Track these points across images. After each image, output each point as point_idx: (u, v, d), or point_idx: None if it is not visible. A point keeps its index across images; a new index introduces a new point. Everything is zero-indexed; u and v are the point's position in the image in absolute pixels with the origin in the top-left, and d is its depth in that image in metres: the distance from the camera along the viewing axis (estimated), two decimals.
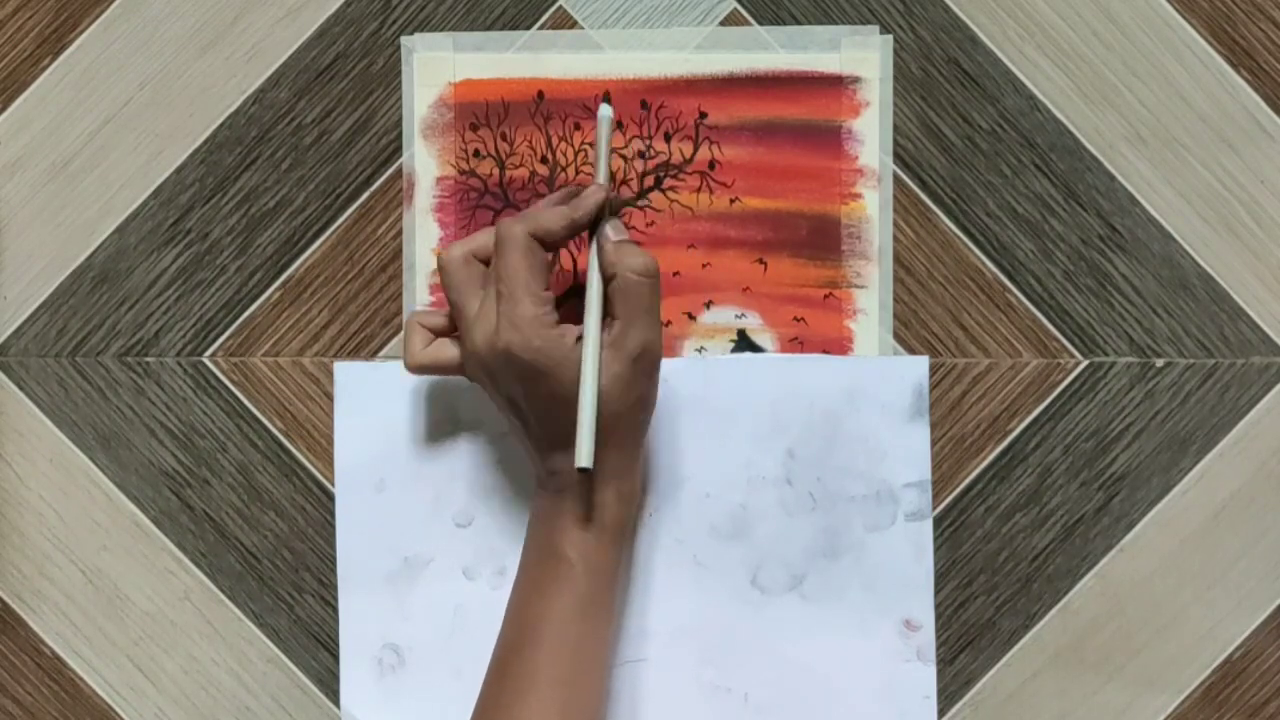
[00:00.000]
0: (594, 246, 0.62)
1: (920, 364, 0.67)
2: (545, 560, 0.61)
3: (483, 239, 0.63)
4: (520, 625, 0.61)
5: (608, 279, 0.60)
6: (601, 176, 0.63)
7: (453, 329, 0.64)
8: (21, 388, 0.69)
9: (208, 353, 0.69)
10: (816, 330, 0.68)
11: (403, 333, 0.64)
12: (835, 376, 0.67)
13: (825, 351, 0.68)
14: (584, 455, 0.58)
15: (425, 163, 0.68)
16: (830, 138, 0.68)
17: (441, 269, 0.62)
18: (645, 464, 0.65)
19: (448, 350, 0.63)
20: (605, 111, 0.63)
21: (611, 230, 0.62)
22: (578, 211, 0.61)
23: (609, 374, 0.59)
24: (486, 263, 0.62)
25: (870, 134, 0.68)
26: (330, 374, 0.68)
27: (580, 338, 0.60)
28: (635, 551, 0.67)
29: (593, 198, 0.62)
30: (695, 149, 0.68)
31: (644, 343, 0.60)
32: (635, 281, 0.59)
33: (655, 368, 0.61)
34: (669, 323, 0.68)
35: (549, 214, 0.61)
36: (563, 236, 0.61)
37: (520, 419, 0.62)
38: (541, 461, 0.62)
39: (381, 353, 0.68)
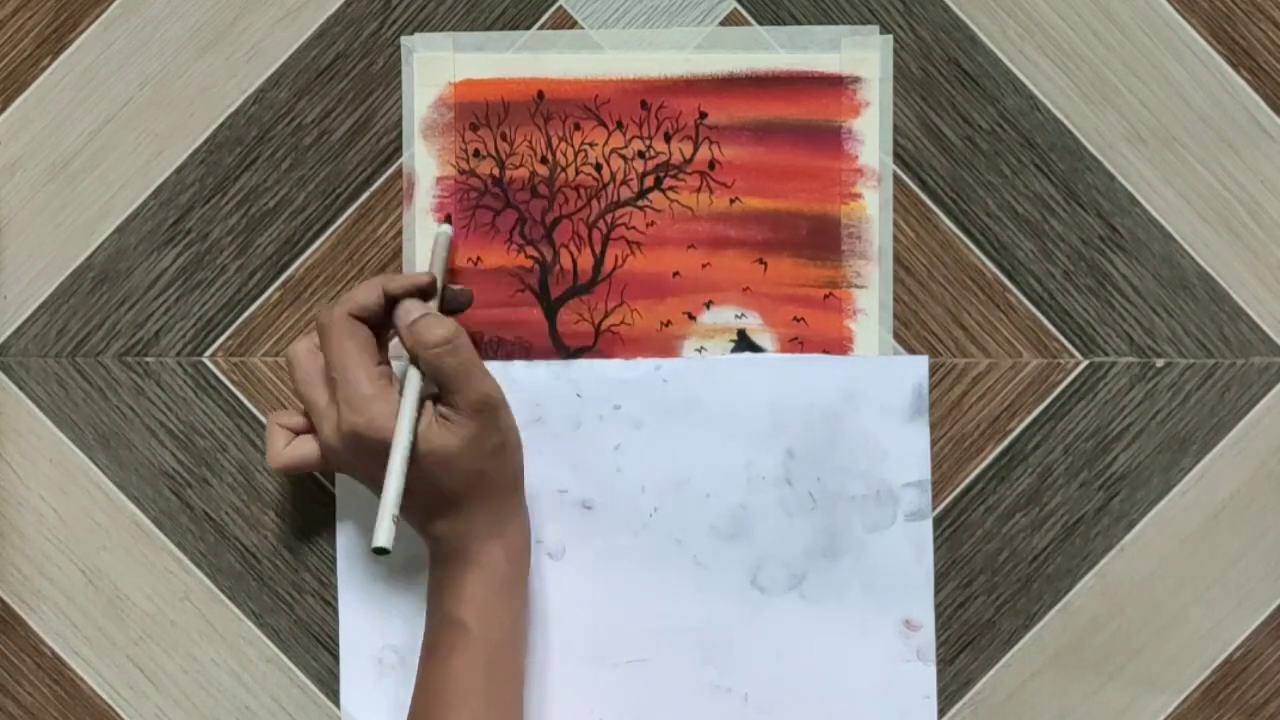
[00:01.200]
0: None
1: (920, 364, 0.67)
2: (443, 628, 0.61)
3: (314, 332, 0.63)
4: (426, 696, 0.61)
5: (413, 360, 0.60)
6: (436, 250, 0.64)
7: (311, 427, 0.63)
8: (21, 388, 0.69)
9: (208, 353, 0.69)
10: (816, 330, 0.68)
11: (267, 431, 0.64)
12: (835, 376, 0.67)
13: (825, 351, 0.68)
14: (381, 534, 0.56)
15: (425, 163, 0.68)
16: (830, 138, 0.68)
17: (289, 363, 0.62)
18: (528, 510, 0.65)
19: (307, 446, 0.63)
20: (444, 230, 0.66)
21: (403, 312, 0.61)
22: (391, 283, 0.61)
23: (458, 435, 0.59)
24: None
25: (870, 134, 0.68)
26: None
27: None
28: (637, 554, 0.67)
29: (410, 278, 0.62)
30: (695, 149, 0.68)
31: (476, 399, 0.59)
32: (438, 354, 0.59)
33: (502, 414, 0.60)
34: (669, 323, 0.68)
35: (362, 289, 0.61)
36: (379, 308, 0.61)
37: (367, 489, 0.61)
38: (421, 532, 0.62)
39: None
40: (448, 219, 0.68)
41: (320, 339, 0.61)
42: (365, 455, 0.60)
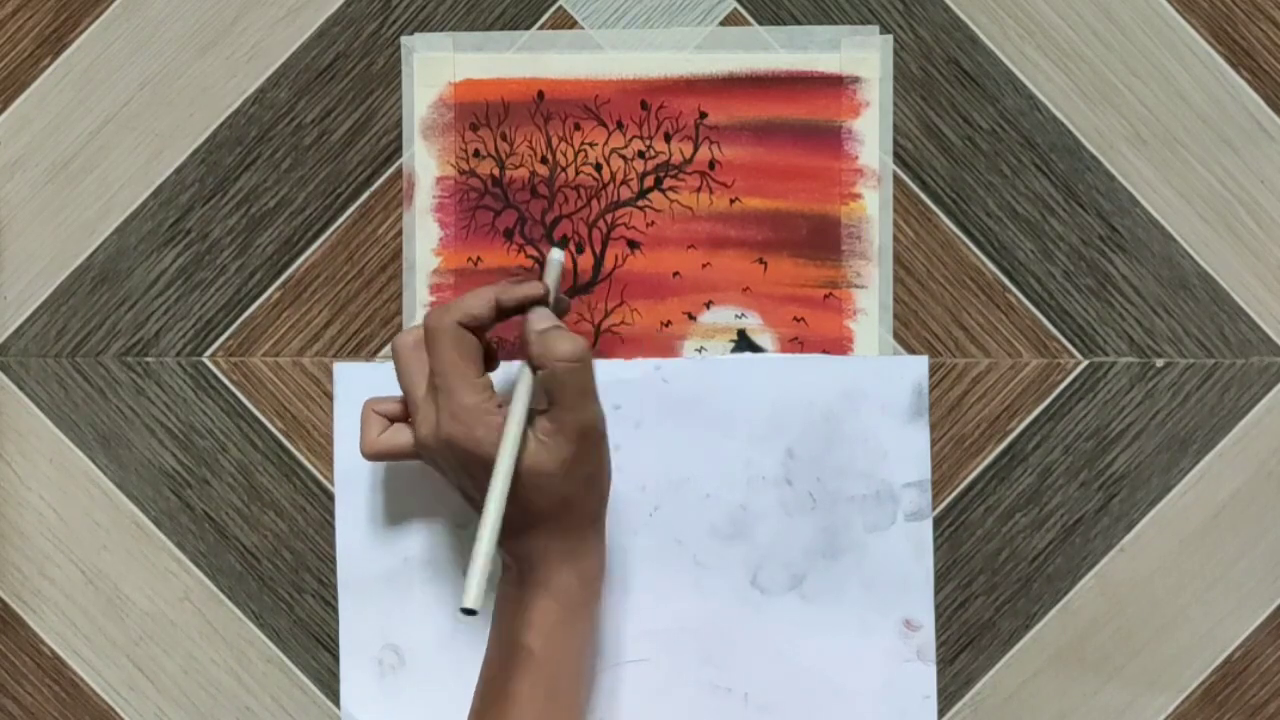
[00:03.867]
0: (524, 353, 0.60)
1: (920, 364, 0.67)
2: (508, 650, 0.60)
3: (419, 330, 0.62)
4: (485, 716, 0.60)
5: (536, 369, 0.58)
6: (549, 278, 0.62)
7: (407, 415, 0.63)
8: (21, 388, 0.69)
9: (208, 353, 0.69)
10: (816, 330, 0.68)
11: (361, 417, 0.63)
12: (835, 376, 0.67)
13: (825, 351, 0.68)
14: (471, 597, 0.54)
15: (425, 163, 0.68)
16: (830, 138, 0.68)
17: (394, 353, 0.61)
18: (605, 542, 0.64)
19: (403, 435, 0.62)
20: (557, 255, 0.63)
21: (536, 319, 0.59)
22: (505, 295, 0.60)
23: (555, 458, 0.58)
24: None
25: (870, 134, 0.68)
26: (330, 374, 0.68)
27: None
28: (637, 553, 0.67)
29: (524, 289, 0.60)
30: (695, 149, 0.68)
31: (583, 424, 0.58)
32: (565, 369, 0.57)
33: (601, 445, 0.59)
34: (669, 323, 0.68)
35: (474, 298, 0.59)
36: (489, 320, 0.60)
37: (474, 507, 0.60)
38: (499, 550, 0.61)
39: (381, 353, 0.68)
40: (563, 241, 0.67)
41: (427, 344, 0.59)
42: (455, 463, 0.59)
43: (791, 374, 0.67)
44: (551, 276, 0.62)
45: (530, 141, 0.68)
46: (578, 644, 0.61)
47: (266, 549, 0.69)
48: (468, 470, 0.59)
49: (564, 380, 0.57)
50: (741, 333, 0.68)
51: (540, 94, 0.68)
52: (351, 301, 0.68)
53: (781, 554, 0.67)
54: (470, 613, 0.54)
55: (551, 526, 0.59)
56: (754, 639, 0.67)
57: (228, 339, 0.69)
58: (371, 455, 0.63)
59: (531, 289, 0.61)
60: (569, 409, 0.58)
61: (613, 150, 0.68)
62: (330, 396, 0.68)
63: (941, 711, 0.67)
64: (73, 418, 0.69)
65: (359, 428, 0.64)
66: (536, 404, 0.59)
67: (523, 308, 0.60)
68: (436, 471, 0.62)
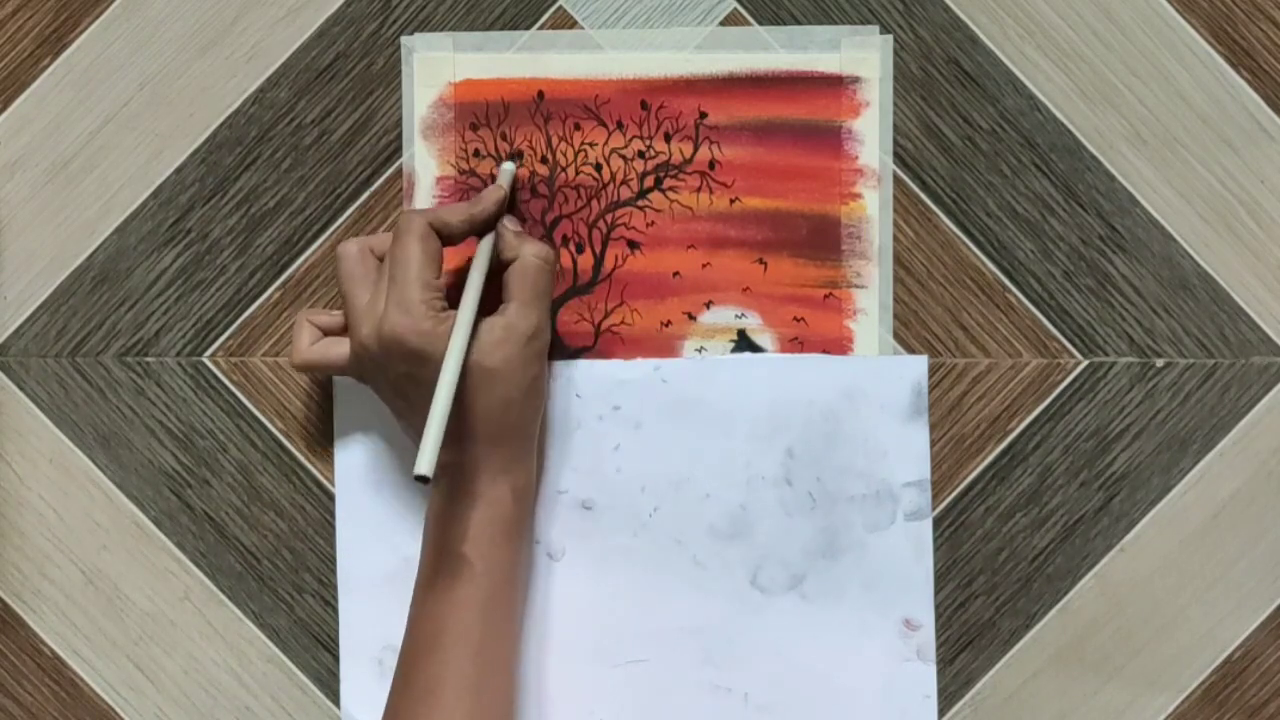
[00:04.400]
0: (485, 242, 0.63)
1: (919, 363, 0.67)
2: (442, 561, 0.61)
3: (382, 237, 0.64)
4: (421, 631, 0.60)
5: (506, 263, 0.62)
6: (503, 184, 0.66)
7: (341, 328, 0.64)
8: (21, 388, 0.69)
9: (208, 353, 0.69)
10: (816, 330, 0.68)
11: (293, 328, 0.65)
12: (834, 376, 0.67)
13: (825, 351, 0.68)
14: (424, 462, 0.54)
15: (425, 163, 0.68)
16: (830, 138, 0.68)
17: (338, 259, 0.63)
18: (541, 457, 0.66)
19: (335, 348, 0.63)
20: (509, 166, 0.67)
21: (510, 222, 0.65)
22: (476, 207, 0.63)
23: (501, 356, 0.60)
24: (382, 259, 0.63)
25: (870, 134, 0.68)
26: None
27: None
28: (637, 554, 0.67)
29: (491, 195, 0.64)
30: (695, 149, 0.68)
31: (537, 324, 0.61)
32: (535, 264, 0.61)
33: (543, 355, 0.62)
34: (669, 323, 0.68)
35: (449, 208, 0.63)
36: (460, 231, 0.62)
37: (408, 409, 0.61)
38: None
39: None
40: (514, 156, 0.68)
41: (394, 236, 0.61)
42: (396, 358, 0.59)
43: (790, 374, 0.67)
44: (505, 183, 0.66)
45: (530, 141, 0.68)
46: (511, 559, 0.61)
47: (266, 549, 0.69)
48: (408, 365, 0.59)
49: (532, 274, 0.61)
50: (741, 333, 0.68)
51: (540, 94, 0.68)
52: None
53: (781, 554, 0.67)
54: (424, 480, 0.54)
55: (490, 433, 0.60)
56: (754, 639, 0.67)
57: (228, 339, 0.69)
58: (302, 365, 0.63)
59: (497, 192, 0.64)
60: (525, 305, 0.61)
61: (613, 150, 0.68)
62: (330, 396, 0.68)
63: (941, 711, 0.67)
64: (73, 418, 0.69)
65: (294, 336, 0.64)
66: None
67: (489, 225, 0.64)
68: (367, 384, 0.63)
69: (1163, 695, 0.67)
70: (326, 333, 0.64)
